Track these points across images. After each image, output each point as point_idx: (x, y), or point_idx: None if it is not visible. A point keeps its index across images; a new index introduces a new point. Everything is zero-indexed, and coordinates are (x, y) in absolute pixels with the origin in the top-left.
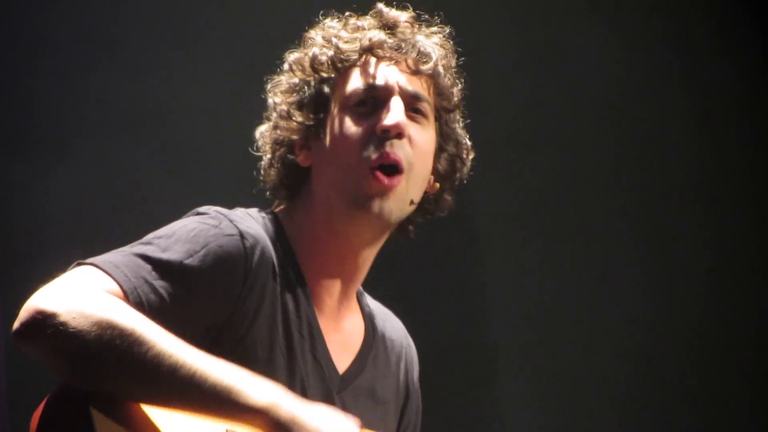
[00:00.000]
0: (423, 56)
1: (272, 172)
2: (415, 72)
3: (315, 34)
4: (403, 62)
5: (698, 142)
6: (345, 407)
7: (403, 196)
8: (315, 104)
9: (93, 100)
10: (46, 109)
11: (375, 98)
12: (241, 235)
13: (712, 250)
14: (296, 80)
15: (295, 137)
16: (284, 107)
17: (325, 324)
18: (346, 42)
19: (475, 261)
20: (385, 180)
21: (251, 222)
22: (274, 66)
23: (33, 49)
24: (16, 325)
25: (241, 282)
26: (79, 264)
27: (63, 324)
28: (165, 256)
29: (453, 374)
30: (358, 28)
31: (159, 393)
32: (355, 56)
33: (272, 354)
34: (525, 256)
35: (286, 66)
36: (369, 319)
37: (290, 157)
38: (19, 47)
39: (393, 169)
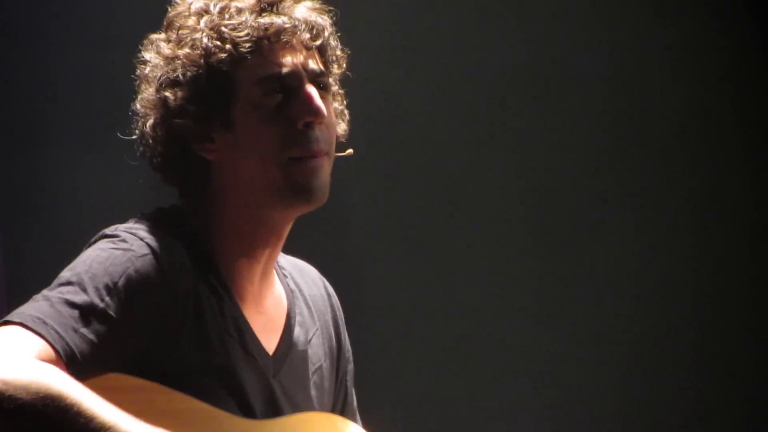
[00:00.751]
0: (314, 30)
1: (172, 167)
2: (310, 48)
3: (193, 21)
4: (299, 41)
5: (695, 135)
6: (283, 389)
7: (328, 171)
8: (215, 96)
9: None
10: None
11: (284, 86)
12: (154, 253)
13: (715, 247)
14: (183, 72)
15: (192, 131)
16: (178, 103)
17: (248, 311)
18: (238, 30)
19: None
20: (309, 162)
21: (160, 231)
22: None
23: (51, 43)
24: None
25: (164, 300)
26: (5, 323)
27: (1, 399)
28: (87, 298)
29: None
30: (241, 11)
31: None
32: (251, 45)
33: (204, 359)
34: (521, 254)
35: (158, 55)
36: (287, 284)
37: (193, 151)
38: (38, 42)
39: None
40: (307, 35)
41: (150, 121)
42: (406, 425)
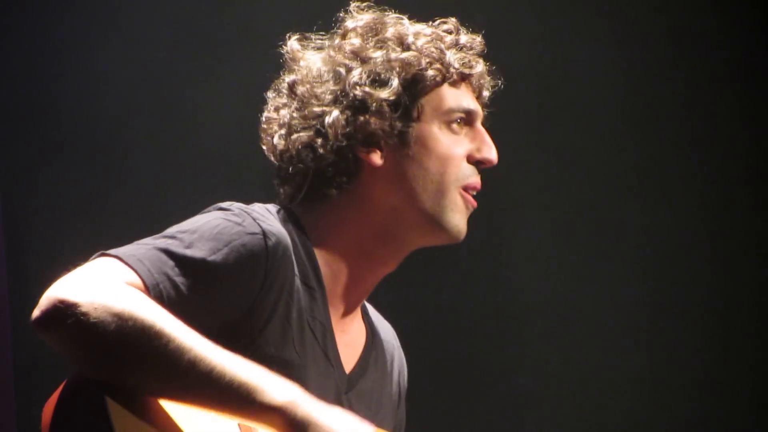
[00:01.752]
0: (488, 85)
1: (323, 159)
2: (482, 98)
3: (411, 36)
4: (485, 87)
5: (704, 140)
6: (351, 408)
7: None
8: (410, 109)
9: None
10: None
11: (469, 121)
12: (264, 234)
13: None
14: (390, 77)
15: (379, 134)
16: (378, 103)
17: (335, 324)
18: (457, 54)
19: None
20: (472, 201)
21: (272, 220)
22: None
23: (52, 49)
24: (36, 313)
25: (261, 281)
26: (101, 254)
27: (84, 314)
28: (188, 252)
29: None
30: (458, 46)
31: (176, 387)
32: (461, 74)
33: (285, 352)
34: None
35: (373, 56)
36: (368, 320)
37: (355, 152)
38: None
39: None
40: (485, 84)
41: (330, 116)
42: None
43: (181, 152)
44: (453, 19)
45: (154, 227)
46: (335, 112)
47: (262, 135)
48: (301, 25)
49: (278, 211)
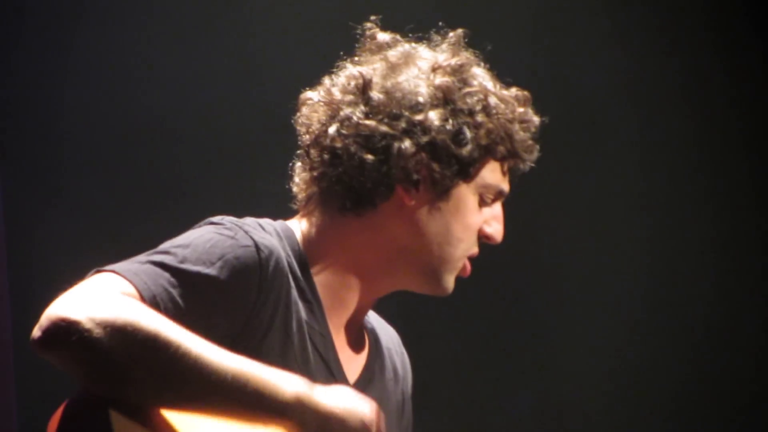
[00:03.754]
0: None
1: (363, 177)
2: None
3: (493, 98)
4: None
5: (707, 139)
6: None
7: None
8: (461, 170)
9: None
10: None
11: (497, 199)
12: (257, 246)
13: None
14: (469, 139)
15: (427, 179)
16: (449, 156)
17: (335, 334)
18: (518, 138)
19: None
20: (468, 269)
21: (264, 233)
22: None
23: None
24: (36, 333)
25: (256, 292)
26: (97, 271)
27: (87, 331)
28: (183, 266)
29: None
30: (524, 124)
31: (188, 394)
32: (516, 153)
33: (286, 364)
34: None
35: (460, 108)
36: (370, 329)
37: (395, 181)
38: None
39: None
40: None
41: (401, 145)
42: None
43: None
44: (526, 93)
45: (156, 229)
46: (407, 144)
47: (305, 110)
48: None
49: (272, 225)
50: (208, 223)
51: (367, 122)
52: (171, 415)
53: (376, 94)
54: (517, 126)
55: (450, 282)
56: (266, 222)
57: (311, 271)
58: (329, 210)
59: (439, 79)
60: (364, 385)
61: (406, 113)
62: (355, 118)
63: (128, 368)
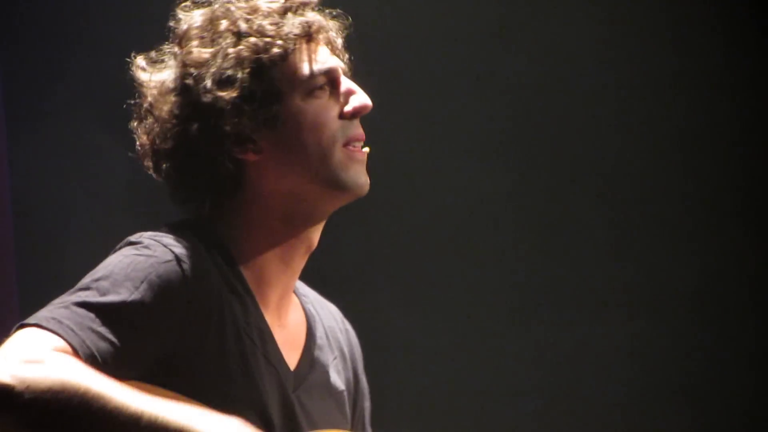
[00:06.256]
0: (337, 33)
1: (204, 174)
2: (336, 46)
3: (227, 23)
4: (333, 39)
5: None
6: (302, 405)
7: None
8: (264, 95)
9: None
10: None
11: (329, 80)
12: (177, 259)
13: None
14: (235, 72)
15: (245, 131)
16: (231, 103)
17: (271, 322)
18: (283, 27)
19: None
20: (358, 152)
21: (185, 238)
22: None
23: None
24: None
25: (185, 307)
26: (21, 326)
27: (18, 396)
28: (106, 299)
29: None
30: (272, 12)
31: None
32: (297, 42)
33: (227, 367)
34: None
35: (211, 57)
36: (307, 307)
37: (232, 154)
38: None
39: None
40: (333, 37)
41: (191, 128)
42: None
43: None
44: None
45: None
46: (194, 127)
47: (144, 164)
48: None
49: (191, 227)
50: (127, 244)
51: (162, 137)
52: None
53: (156, 112)
54: (279, 17)
55: (351, 177)
56: (181, 224)
57: (238, 264)
58: (221, 207)
59: (187, 50)
60: (306, 368)
61: (180, 103)
62: (157, 140)
63: (65, 426)
